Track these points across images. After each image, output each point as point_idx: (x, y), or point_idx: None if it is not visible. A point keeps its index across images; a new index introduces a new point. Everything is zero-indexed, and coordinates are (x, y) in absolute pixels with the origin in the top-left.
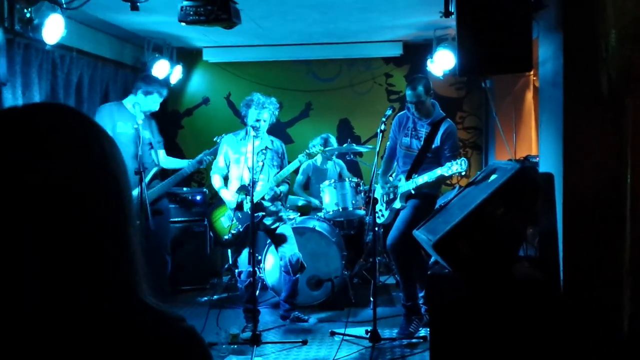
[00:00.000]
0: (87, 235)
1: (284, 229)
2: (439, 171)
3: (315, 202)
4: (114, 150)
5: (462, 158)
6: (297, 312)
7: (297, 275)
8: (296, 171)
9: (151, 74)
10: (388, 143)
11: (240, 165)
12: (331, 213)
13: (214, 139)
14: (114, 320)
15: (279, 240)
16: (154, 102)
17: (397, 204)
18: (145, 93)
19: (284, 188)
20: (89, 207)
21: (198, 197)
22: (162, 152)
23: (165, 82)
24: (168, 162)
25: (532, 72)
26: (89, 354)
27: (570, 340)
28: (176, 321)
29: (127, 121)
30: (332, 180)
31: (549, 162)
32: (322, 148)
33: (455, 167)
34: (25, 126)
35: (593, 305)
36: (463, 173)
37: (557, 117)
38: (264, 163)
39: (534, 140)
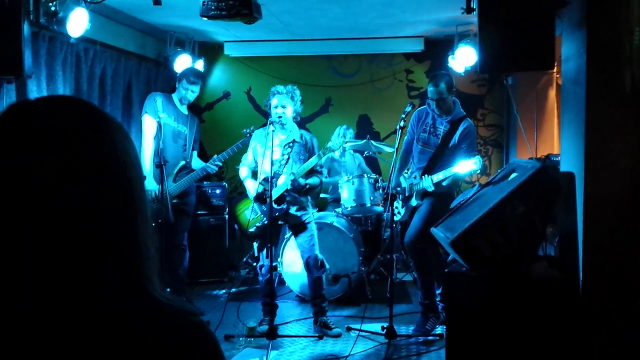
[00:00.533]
0: (89, 231)
1: (309, 226)
2: (453, 170)
3: (335, 179)
4: (127, 144)
5: (477, 156)
6: (324, 318)
7: (318, 274)
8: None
9: (188, 67)
10: (405, 137)
11: (266, 159)
12: (349, 209)
13: (243, 131)
14: (115, 319)
15: (301, 235)
16: (182, 88)
17: (413, 202)
18: (178, 81)
19: (311, 181)
20: (96, 202)
21: (218, 191)
22: (194, 153)
23: (191, 71)
24: (196, 163)
25: (555, 70)
26: (87, 353)
27: (588, 341)
28: (187, 315)
29: (170, 114)
30: (351, 176)
31: (571, 161)
32: (345, 139)
33: (469, 167)
34: (34, 119)
35: (612, 306)
36: (478, 172)
37: (580, 116)
38: (289, 156)
39: (556, 139)
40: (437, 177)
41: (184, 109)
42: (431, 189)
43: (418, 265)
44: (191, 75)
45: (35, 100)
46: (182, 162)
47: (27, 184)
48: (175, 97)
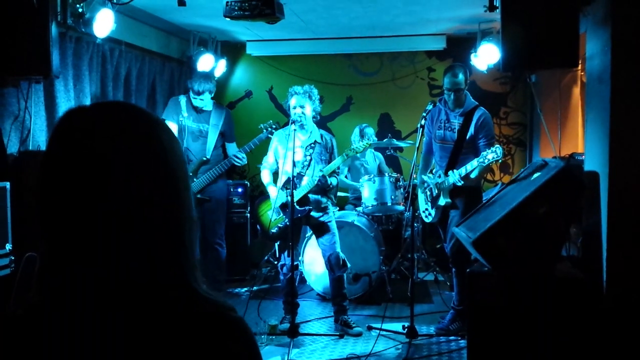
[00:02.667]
0: (143, 223)
1: (330, 226)
2: (475, 162)
3: (356, 185)
4: (174, 144)
5: (497, 145)
6: (345, 317)
7: (339, 273)
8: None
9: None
10: (424, 139)
11: (288, 160)
12: (370, 208)
13: (260, 127)
14: (172, 308)
15: (322, 235)
16: (203, 100)
17: (441, 201)
18: (195, 94)
19: (333, 181)
20: (146, 197)
21: (239, 189)
22: (231, 146)
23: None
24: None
25: (579, 67)
26: (147, 341)
27: (611, 342)
28: (227, 310)
29: (190, 113)
30: (372, 175)
31: (595, 161)
32: (369, 142)
33: (490, 155)
34: (96, 122)
35: (636, 306)
36: (500, 160)
37: (604, 115)
38: (312, 157)
39: (580, 138)
40: (464, 169)
41: (206, 107)
42: (460, 183)
43: (459, 273)
44: (195, 85)
45: (93, 105)
46: (203, 159)
47: (92, 175)
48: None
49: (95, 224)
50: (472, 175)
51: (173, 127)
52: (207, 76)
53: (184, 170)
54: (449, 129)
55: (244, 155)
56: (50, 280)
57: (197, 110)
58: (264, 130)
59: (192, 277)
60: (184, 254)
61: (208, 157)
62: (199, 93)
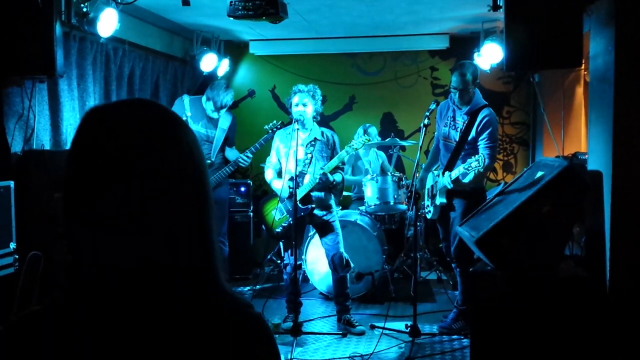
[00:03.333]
0: (175, 219)
1: (334, 225)
2: (461, 167)
3: (359, 178)
4: (197, 143)
5: (480, 155)
6: (348, 316)
7: (343, 273)
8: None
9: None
10: (436, 133)
11: (290, 158)
12: (373, 207)
13: (265, 127)
14: (202, 304)
15: (326, 234)
16: (204, 101)
17: (437, 200)
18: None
19: (337, 177)
20: (178, 192)
21: (242, 189)
22: (231, 150)
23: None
24: (233, 156)
25: (582, 67)
26: (176, 333)
27: (614, 341)
28: (247, 307)
29: (197, 116)
30: (374, 175)
31: (598, 160)
32: (367, 137)
33: (474, 163)
34: (128, 119)
35: (639, 306)
36: (481, 169)
37: (607, 114)
38: (312, 155)
39: (583, 137)
40: (454, 173)
41: (215, 114)
42: (450, 186)
43: (463, 272)
44: (218, 100)
45: (122, 102)
46: (207, 162)
47: (128, 167)
48: (204, 100)
49: (121, 218)
50: (465, 180)
51: None
52: (228, 87)
53: (205, 167)
54: (453, 127)
55: (251, 156)
56: (78, 277)
57: (208, 117)
58: (270, 131)
59: (218, 274)
60: (211, 247)
61: (213, 159)
62: (221, 107)
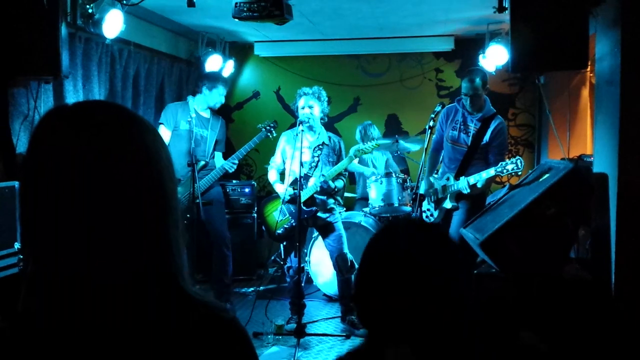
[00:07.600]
0: (134, 224)
1: (337, 226)
2: (492, 171)
3: (369, 171)
4: (158, 145)
5: (518, 157)
6: (352, 317)
7: (347, 276)
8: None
9: (215, 71)
10: (434, 136)
11: (295, 161)
12: (377, 208)
13: (258, 126)
14: (167, 312)
15: (328, 235)
16: (219, 94)
17: (447, 204)
18: (210, 88)
19: (339, 183)
20: (128, 195)
21: (246, 190)
22: (218, 154)
23: (223, 77)
24: (219, 162)
25: (588, 69)
26: (120, 340)
27: (619, 344)
28: (219, 312)
29: (187, 122)
30: (379, 176)
31: (604, 162)
32: (376, 142)
33: (510, 166)
34: (76, 120)
35: None
36: (520, 173)
37: (613, 117)
38: (319, 159)
39: (589, 139)
40: (475, 178)
41: (206, 112)
42: (467, 191)
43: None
44: (220, 79)
45: (75, 104)
46: (202, 163)
47: (72, 166)
48: (197, 101)
49: (78, 224)
50: (479, 185)
51: (166, 133)
52: (225, 86)
53: (170, 172)
54: (464, 131)
55: (237, 162)
56: (40, 286)
57: (199, 116)
58: (263, 130)
59: (180, 277)
60: (169, 250)
61: (207, 160)
62: (214, 107)
